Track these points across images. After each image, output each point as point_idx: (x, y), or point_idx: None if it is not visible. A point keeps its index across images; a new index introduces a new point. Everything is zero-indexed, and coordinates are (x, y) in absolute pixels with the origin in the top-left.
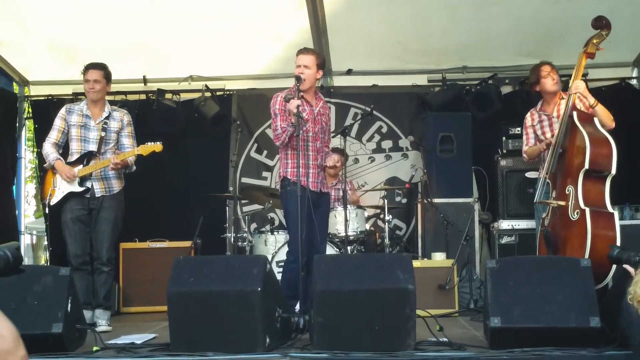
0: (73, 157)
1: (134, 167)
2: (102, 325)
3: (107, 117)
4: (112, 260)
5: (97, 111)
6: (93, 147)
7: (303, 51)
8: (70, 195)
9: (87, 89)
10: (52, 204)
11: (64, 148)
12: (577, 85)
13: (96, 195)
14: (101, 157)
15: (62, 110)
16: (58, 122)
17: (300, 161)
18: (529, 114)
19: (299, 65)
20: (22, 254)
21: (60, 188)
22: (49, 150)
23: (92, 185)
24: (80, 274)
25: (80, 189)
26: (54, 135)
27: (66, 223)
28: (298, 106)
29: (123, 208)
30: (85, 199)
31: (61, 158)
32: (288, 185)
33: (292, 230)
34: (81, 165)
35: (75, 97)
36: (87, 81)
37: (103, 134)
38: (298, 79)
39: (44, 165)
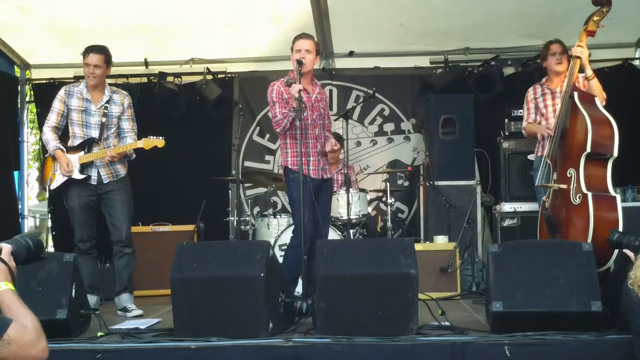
0: (76, 142)
1: (134, 156)
2: (134, 309)
3: (107, 101)
4: (131, 241)
5: (98, 94)
6: (95, 133)
7: (303, 36)
8: (71, 181)
9: (86, 73)
10: (52, 188)
11: (63, 130)
12: (582, 50)
13: (104, 182)
14: (104, 143)
15: (61, 92)
16: (57, 105)
17: (301, 149)
18: (531, 88)
19: (299, 50)
20: (43, 242)
21: (61, 173)
22: (50, 137)
23: (97, 172)
24: (86, 257)
25: (81, 177)
26: (53, 119)
27: (74, 210)
28: (300, 91)
29: (131, 190)
30: (93, 186)
31: (62, 147)
32: (290, 174)
33: (296, 216)
34: (82, 152)
35: (77, 81)
36: (87, 65)
37: (104, 119)
38: (300, 63)
39: (46, 155)
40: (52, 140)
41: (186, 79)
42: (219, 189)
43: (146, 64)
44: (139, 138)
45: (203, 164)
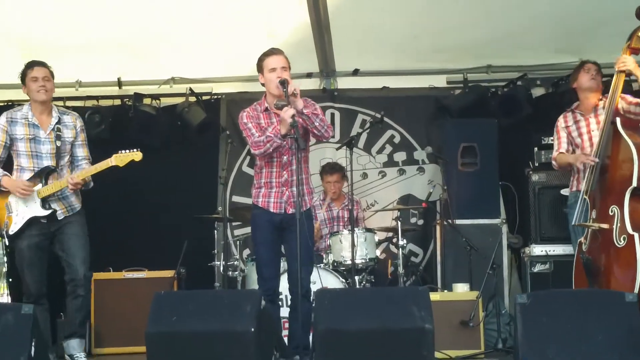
0: (24, 175)
1: (92, 183)
2: (81, 358)
3: (57, 124)
4: (89, 279)
5: (45, 118)
6: (48, 163)
7: (277, 52)
8: (32, 221)
9: (35, 88)
10: (11, 232)
11: (5, 164)
12: (625, 61)
13: (58, 218)
14: (59, 173)
15: (3, 121)
16: None
17: (298, 185)
18: (561, 116)
19: (274, 68)
20: None
21: (19, 213)
22: None
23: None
24: (38, 309)
25: (45, 213)
26: None
27: (21, 251)
28: (294, 115)
29: (87, 227)
30: (45, 224)
31: (7, 174)
32: (252, 209)
33: (256, 260)
34: (40, 185)
35: (19, 105)
36: (35, 79)
37: (58, 144)
38: (284, 83)
39: None
40: None
41: (166, 101)
42: (203, 228)
43: (119, 84)
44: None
45: (185, 199)
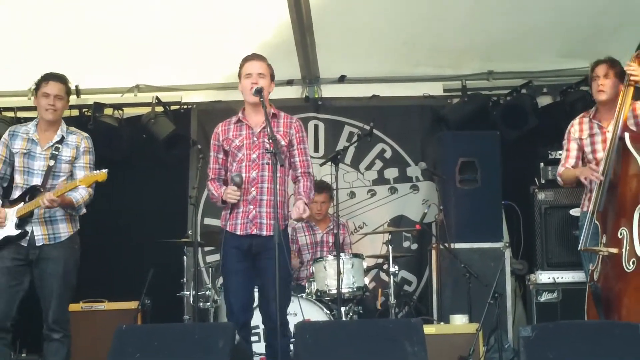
0: (16, 194)
1: (84, 210)
2: None
3: (58, 142)
4: (63, 324)
5: (49, 135)
6: (37, 181)
7: (255, 57)
8: (5, 242)
9: (43, 105)
10: None
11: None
12: (636, 71)
13: (37, 244)
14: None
15: (5, 135)
16: None
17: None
18: (576, 120)
19: (249, 74)
20: None
21: None
22: None
23: (31, 231)
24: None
25: (16, 232)
26: None
27: None
28: (237, 194)
29: (77, 258)
30: (24, 248)
31: None
32: (222, 233)
33: (224, 292)
34: (22, 203)
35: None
36: (47, 95)
37: (51, 163)
38: (259, 91)
39: None
40: None
41: (129, 111)
42: (170, 253)
43: (77, 92)
44: None
45: (151, 221)
